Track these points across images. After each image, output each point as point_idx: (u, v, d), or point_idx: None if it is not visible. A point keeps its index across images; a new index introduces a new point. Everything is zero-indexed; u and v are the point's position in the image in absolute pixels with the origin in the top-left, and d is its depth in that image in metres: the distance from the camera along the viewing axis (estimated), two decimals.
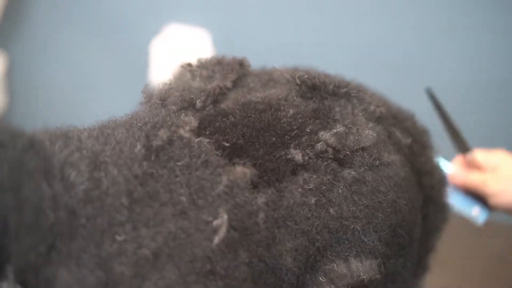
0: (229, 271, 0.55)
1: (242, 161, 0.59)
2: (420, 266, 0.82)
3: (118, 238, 0.51)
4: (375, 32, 1.50)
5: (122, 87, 1.71)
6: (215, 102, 0.64)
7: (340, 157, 0.62)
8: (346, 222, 0.61)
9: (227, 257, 0.55)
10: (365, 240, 0.62)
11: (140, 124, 0.58)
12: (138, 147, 0.56)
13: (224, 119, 0.62)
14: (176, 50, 1.66)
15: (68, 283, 0.50)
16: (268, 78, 0.70)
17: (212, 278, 0.54)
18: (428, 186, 0.74)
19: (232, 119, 0.62)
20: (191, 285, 0.53)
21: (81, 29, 1.73)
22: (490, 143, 1.00)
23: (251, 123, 0.62)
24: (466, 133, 0.90)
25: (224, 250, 0.55)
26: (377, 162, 0.63)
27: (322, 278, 0.61)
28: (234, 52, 0.72)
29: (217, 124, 0.61)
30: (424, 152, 0.74)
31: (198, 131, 0.60)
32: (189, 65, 0.69)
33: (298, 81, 0.66)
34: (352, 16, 1.52)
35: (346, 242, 0.62)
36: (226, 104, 0.64)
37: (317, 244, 0.60)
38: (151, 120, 0.59)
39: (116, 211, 0.52)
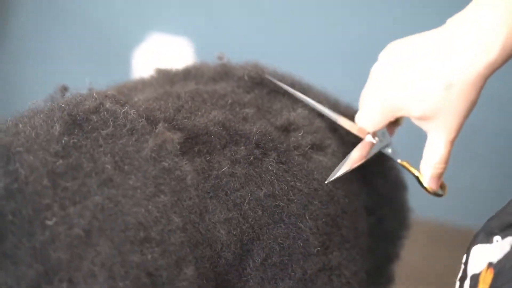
0: (164, 236, 0.54)
1: (173, 130, 0.60)
2: (381, 276, 0.80)
3: (49, 222, 0.51)
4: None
5: None
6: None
7: (270, 138, 0.63)
8: (280, 203, 0.62)
9: (160, 222, 0.55)
10: (302, 226, 0.62)
11: (62, 105, 0.58)
12: (57, 126, 0.55)
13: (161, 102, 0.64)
14: (158, 60, 1.66)
15: (7, 284, 0.50)
16: (223, 72, 0.73)
17: (148, 245, 0.54)
18: (381, 187, 0.74)
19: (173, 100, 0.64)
20: (128, 255, 0.52)
21: (63, 38, 1.74)
22: None
23: (193, 105, 0.64)
24: None
25: (156, 214, 0.55)
26: (312, 149, 0.65)
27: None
28: (215, 61, 0.77)
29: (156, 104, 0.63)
30: None
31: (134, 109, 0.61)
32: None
33: (246, 78, 0.71)
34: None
35: (283, 226, 0.62)
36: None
37: (250, 220, 0.60)
38: (74, 100, 0.59)
39: (40, 196, 0.52)
